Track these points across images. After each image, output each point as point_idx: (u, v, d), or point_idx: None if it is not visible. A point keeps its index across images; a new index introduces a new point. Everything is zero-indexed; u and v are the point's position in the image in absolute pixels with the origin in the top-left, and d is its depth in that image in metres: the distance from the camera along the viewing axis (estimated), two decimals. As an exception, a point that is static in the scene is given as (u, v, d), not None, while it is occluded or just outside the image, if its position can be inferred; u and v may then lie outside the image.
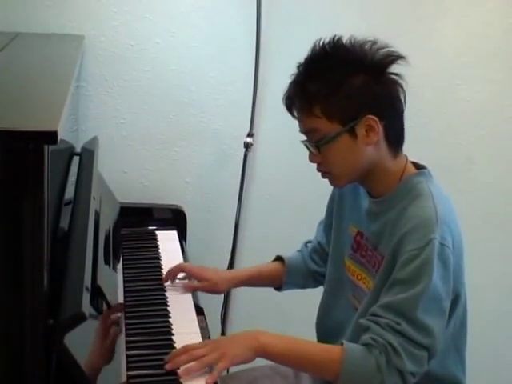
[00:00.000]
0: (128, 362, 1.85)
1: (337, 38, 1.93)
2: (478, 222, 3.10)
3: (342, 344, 1.85)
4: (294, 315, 3.00)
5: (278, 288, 2.36)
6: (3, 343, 1.46)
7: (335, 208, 2.18)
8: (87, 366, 1.52)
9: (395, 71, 1.93)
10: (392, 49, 1.93)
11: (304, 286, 2.36)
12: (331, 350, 1.86)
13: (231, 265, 2.93)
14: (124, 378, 1.78)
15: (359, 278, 2.06)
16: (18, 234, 1.40)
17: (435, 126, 2.99)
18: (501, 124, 3.06)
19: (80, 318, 1.48)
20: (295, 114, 1.96)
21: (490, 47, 2.98)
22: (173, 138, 2.83)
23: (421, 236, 1.81)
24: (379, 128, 1.89)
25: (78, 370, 1.48)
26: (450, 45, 2.97)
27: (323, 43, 1.93)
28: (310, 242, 2.36)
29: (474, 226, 3.03)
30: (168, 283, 2.28)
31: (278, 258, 2.35)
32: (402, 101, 1.95)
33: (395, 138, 1.95)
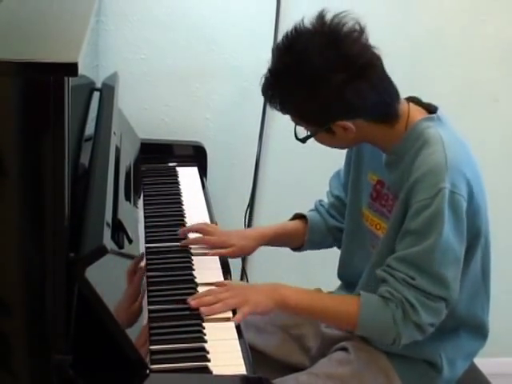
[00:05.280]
0: (149, 297, 1.87)
1: (295, 45, 1.85)
2: (501, 160, 3.07)
3: (359, 295, 1.90)
4: (316, 263, 2.99)
5: (298, 248, 2.32)
6: (26, 275, 1.47)
7: (353, 157, 2.16)
8: (109, 300, 1.54)
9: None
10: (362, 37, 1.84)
11: (320, 245, 2.33)
12: (349, 303, 1.91)
13: (251, 202, 2.93)
14: (145, 312, 1.80)
15: (378, 227, 2.05)
16: (39, 168, 1.41)
17: (459, 63, 2.94)
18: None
19: (101, 252, 1.49)
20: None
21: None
22: (194, 74, 2.80)
23: (431, 185, 1.80)
24: (353, 127, 1.87)
25: (99, 303, 1.49)
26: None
27: (282, 55, 1.87)
28: (321, 200, 2.33)
29: (496, 165, 3.01)
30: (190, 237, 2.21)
31: (296, 217, 2.32)
32: (382, 69, 1.87)
33: (382, 116, 1.90)
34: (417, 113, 1.94)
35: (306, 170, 2.94)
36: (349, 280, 2.19)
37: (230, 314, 1.85)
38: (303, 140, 1.95)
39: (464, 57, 2.95)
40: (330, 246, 2.34)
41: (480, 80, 2.98)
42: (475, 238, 1.92)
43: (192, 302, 1.86)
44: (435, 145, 1.85)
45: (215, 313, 1.84)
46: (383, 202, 2.01)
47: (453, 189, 1.80)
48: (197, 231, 2.20)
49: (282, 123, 2.88)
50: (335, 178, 2.31)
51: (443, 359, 2.00)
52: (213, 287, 1.93)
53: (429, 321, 1.85)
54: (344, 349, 2.06)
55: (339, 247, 2.26)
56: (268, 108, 2.79)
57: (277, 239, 2.28)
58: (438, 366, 2.01)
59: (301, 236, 2.28)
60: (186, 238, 2.18)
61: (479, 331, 2.06)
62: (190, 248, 2.13)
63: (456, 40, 2.92)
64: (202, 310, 1.84)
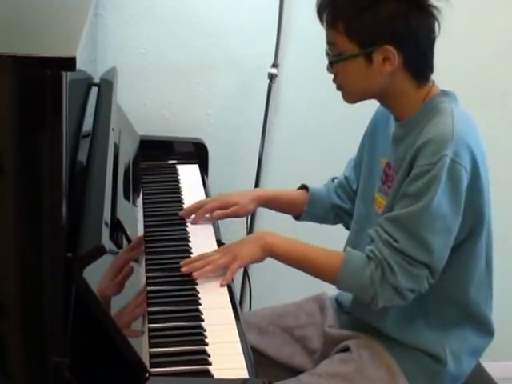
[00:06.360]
0: (148, 298, 1.87)
1: None
2: (510, 156, 3.07)
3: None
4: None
5: (298, 217, 2.38)
6: (23, 276, 1.47)
7: (367, 143, 2.20)
8: (106, 299, 1.54)
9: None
10: None
11: (323, 220, 2.39)
12: (333, 257, 1.97)
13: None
14: (144, 314, 1.80)
15: (382, 207, 2.07)
16: (36, 166, 1.41)
17: (469, 58, 2.95)
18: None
19: (99, 252, 1.50)
20: (323, 22, 1.97)
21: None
22: (195, 68, 2.81)
23: (434, 151, 1.85)
24: (396, 60, 1.90)
25: (97, 304, 1.50)
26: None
27: None
28: (336, 177, 2.37)
29: (505, 161, 3.01)
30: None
31: (304, 187, 2.37)
32: (435, 33, 1.94)
33: (418, 70, 1.95)
34: (436, 89, 1.99)
35: (310, 167, 2.94)
36: None
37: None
38: (334, 62, 1.96)
39: (472, 50, 2.95)
40: (332, 223, 2.39)
41: (489, 75, 2.98)
42: (479, 222, 1.95)
43: (183, 268, 1.98)
44: (445, 116, 1.90)
45: (206, 275, 1.97)
46: (389, 184, 2.05)
47: (455, 158, 1.84)
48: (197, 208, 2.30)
49: (286, 119, 2.90)
50: (350, 161, 2.34)
51: (447, 352, 2.01)
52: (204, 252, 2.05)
53: (408, 286, 1.88)
54: (346, 349, 2.08)
55: (347, 228, 2.31)
56: (271, 103, 2.84)
57: (277, 202, 2.37)
58: (442, 359, 2.02)
59: (300, 205, 2.34)
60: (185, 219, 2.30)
61: (484, 326, 2.07)
62: (191, 248, 2.14)
63: (464, 32, 2.92)
64: (194, 274, 1.96)
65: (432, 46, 1.96)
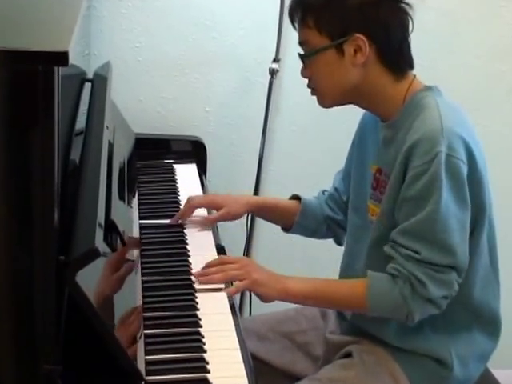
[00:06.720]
0: (144, 303, 1.87)
1: None
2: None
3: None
4: (320, 260, 2.99)
5: (288, 228, 2.37)
6: (13, 280, 1.47)
7: (356, 152, 2.20)
8: (100, 304, 1.53)
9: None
10: None
11: (314, 233, 2.37)
12: (356, 286, 1.98)
13: (254, 201, 2.92)
14: (140, 320, 1.79)
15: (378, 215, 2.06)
16: (27, 165, 1.40)
17: (476, 52, 2.94)
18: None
19: (93, 255, 1.49)
20: (295, 24, 2.01)
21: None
22: (192, 63, 2.81)
23: (427, 149, 1.85)
24: (367, 50, 1.92)
25: (90, 309, 1.49)
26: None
27: None
28: (326, 190, 2.37)
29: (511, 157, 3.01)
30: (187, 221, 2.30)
31: (295, 198, 2.36)
32: (408, 29, 1.96)
33: (392, 62, 1.96)
34: (418, 85, 2.00)
35: (312, 167, 2.94)
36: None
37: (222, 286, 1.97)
38: (305, 57, 1.99)
39: (478, 47, 2.94)
40: (324, 237, 2.39)
41: (496, 71, 2.97)
42: (480, 215, 1.95)
43: (196, 272, 2.00)
44: (430, 111, 1.91)
45: (213, 282, 1.97)
46: (381, 189, 2.04)
47: (450, 152, 1.85)
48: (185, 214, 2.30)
49: (287, 117, 2.90)
50: (339, 172, 2.35)
51: (453, 357, 2.01)
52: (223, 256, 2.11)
53: (440, 294, 1.89)
54: (348, 355, 2.08)
55: (337, 242, 2.35)
56: (272, 100, 2.84)
57: (267, 210, 2.37)
58: (448, 364, 2.01)
59: (291, 216, 2.33)
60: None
61: (492, 326, 2.08)
62: (188, 250, 2.13)
63: (471, 27, 2.91)
64: (201, 278, 1.97)
65: (407, 40, 1.97)
